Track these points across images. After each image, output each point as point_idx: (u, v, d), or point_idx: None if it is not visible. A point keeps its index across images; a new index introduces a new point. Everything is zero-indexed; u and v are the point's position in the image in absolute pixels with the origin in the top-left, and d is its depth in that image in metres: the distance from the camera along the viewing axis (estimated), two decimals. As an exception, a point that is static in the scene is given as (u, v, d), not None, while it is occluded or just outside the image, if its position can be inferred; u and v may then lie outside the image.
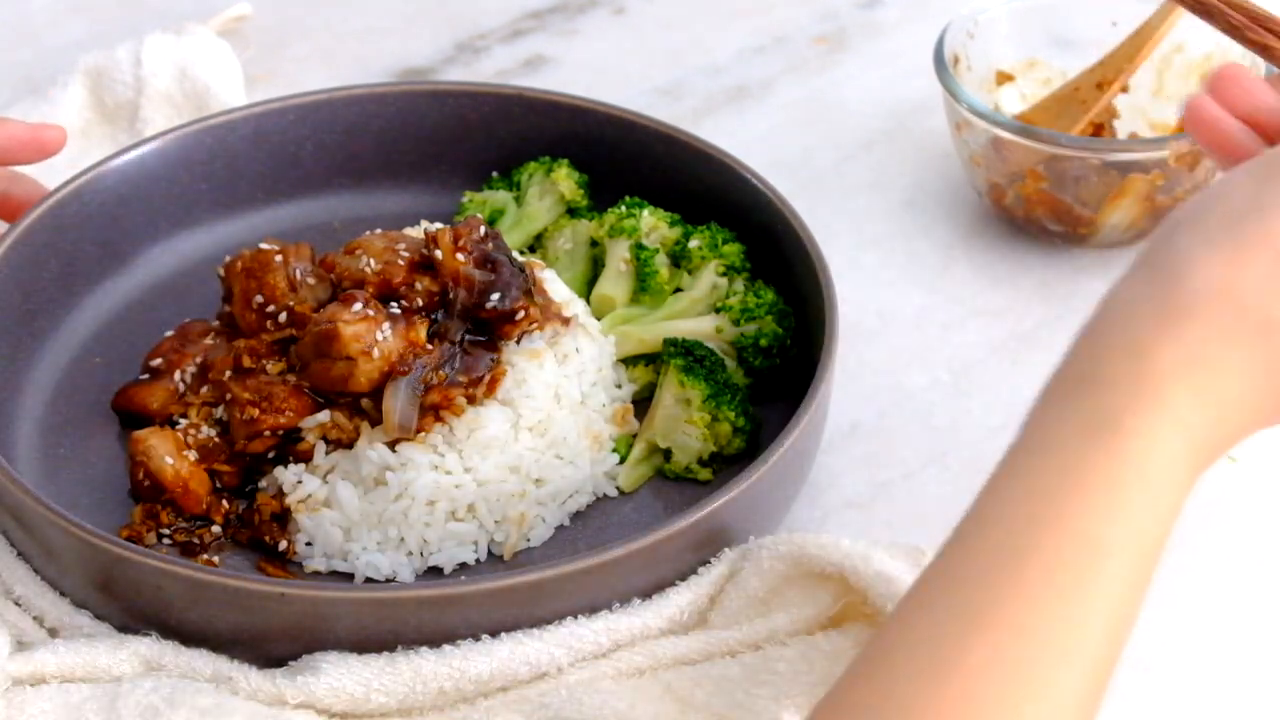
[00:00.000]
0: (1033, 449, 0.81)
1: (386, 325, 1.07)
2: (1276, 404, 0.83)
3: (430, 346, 1.07)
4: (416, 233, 1.16)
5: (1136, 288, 0.83)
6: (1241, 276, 0.81)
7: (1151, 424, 0.79)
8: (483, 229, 1.11)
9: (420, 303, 1.09)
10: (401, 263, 1.10)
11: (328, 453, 1.08)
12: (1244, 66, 0.96)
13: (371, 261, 1.11)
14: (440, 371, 1.06)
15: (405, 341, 1.07)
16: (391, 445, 1.06)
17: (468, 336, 1.09)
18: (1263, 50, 0.97)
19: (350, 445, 1.07)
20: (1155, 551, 0.79)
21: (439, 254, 1.10)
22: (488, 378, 1.07)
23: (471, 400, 1.07)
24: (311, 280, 1.12)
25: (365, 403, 1.07)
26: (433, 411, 1.06)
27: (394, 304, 1.09)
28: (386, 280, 1.10)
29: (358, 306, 1.07)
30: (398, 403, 1.06)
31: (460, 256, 1.09)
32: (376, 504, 1.06)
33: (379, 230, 1.16)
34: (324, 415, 1.08)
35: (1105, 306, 0.84)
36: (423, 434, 1.06)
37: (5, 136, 1.17)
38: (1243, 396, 0.81)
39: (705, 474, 1.11)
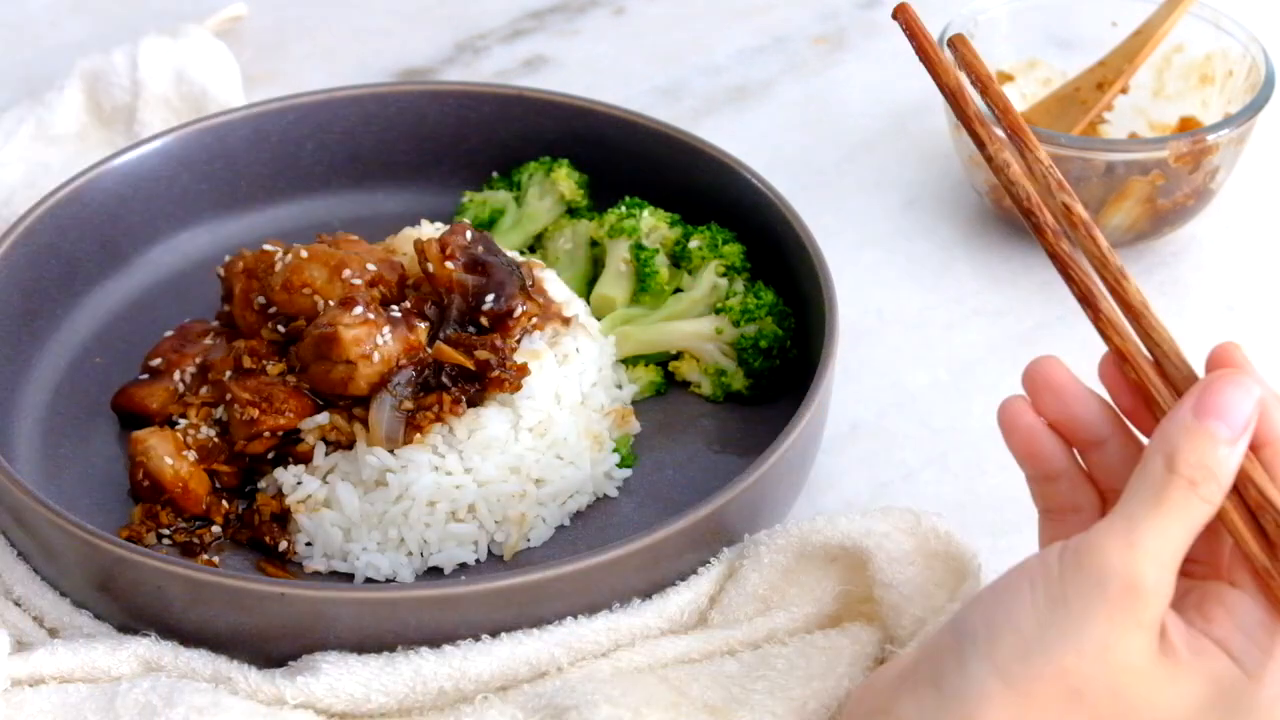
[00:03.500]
0: None
1: (387, 329, 1.07)
2: None
3: (422, 354, 1.07)
4: (416, 233, 1.16)
5: (927, 713, 0.80)
6: (1032, 718, 0.79)
7: None
8: (468, 234, 1.11)
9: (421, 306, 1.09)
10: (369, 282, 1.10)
11: (327, 454, 1.08)
12: (1059, 362, 0.89)
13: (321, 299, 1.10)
14: (439, 378, 1.06)
15: (405, 345, 1.07)
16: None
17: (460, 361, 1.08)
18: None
19: (350, 446, 1.07)
20: None
21: (430, 266, 1.09)
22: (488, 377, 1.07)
23: (472, 401, 1.07)
24: (311, 280, 1.12)
25: (359, 411, 1.07)
26: (425, 418, 1.06)
27: (394, 307, 1.09)
28: (386, 283, 1.10)
29: (358, 310, 1.07)
30: (383, 416, 1.06)
31: (450, 264, 1.09)
32: (376, 504, 1.06)
33: (354, 236, 1.15)
34: (323, 417, 1.07)
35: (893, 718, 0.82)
36: (420, 435, 1.06)
37: None
38: None
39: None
